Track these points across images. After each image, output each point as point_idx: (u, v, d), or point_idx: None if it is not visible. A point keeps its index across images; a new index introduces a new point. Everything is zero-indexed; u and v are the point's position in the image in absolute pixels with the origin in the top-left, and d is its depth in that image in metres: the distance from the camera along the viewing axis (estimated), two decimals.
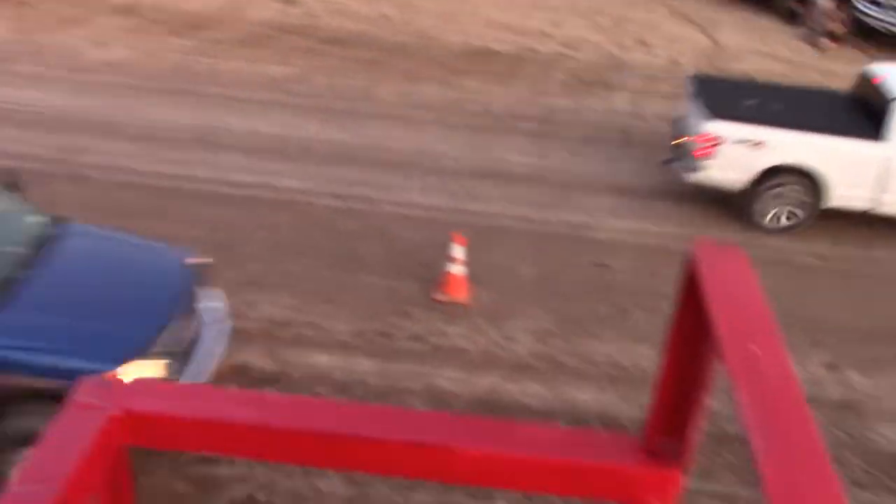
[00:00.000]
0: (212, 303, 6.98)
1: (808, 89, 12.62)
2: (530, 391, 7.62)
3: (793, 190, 10.36)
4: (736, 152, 10.21)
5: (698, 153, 10.27)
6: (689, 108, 10.93)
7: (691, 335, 1.71)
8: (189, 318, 6.50)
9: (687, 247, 1.82)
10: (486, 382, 7.66)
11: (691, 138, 10.46)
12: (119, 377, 5.20)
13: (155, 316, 6.17)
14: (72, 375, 5.30)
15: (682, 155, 10.72)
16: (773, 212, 10.46)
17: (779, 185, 10.34)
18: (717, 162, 10.25)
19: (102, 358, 5.59)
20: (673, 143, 11.07)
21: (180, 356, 6.21)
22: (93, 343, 5.79)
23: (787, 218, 10.48)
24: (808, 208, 10.42)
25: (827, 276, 9.93)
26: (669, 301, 1.82)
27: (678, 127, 11.11)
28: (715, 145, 10.18)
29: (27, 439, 4.62)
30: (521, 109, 13.20)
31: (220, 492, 6.24)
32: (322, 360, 7.65)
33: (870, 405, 7.93)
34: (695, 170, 10.39)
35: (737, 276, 1.73)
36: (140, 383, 2.07)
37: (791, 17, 17.70)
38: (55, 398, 5.35)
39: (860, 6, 17.26)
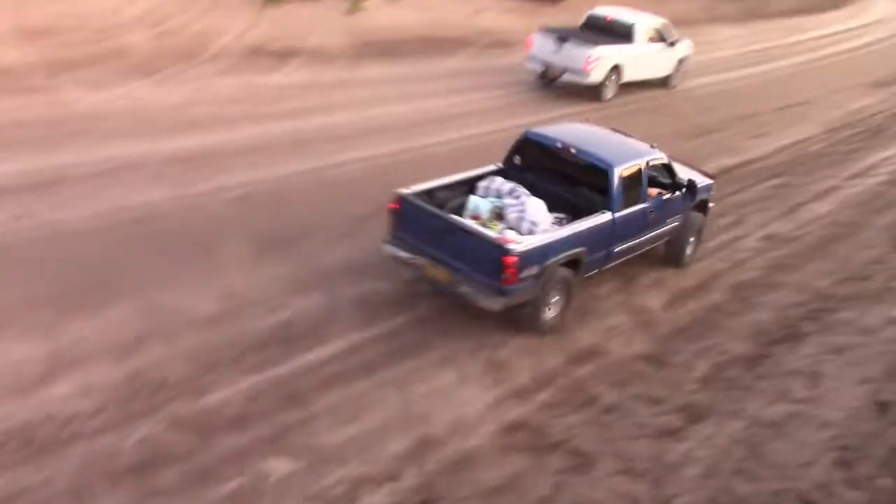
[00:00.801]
0: None
1: (595, 24, 20.57)
2: None
3: (615, 76, 19.45)
4: (601, 63, 19.06)
5: (588, 68, 18.84)
6: (550, 48, 19.24)
7: None
8: None
9: None
10: None
11: (577, 60, 18.99)
12: None
13: None
14: None
15: (558, 75, 19.27)
16: (611, 91, 19.51)
17: (611, 76, 19.34)
18: (595, 71, 18.94)
19: None
20: (543, 72, 19.52)
21: None
22: None
23: (614, 90, 19.76)
24: (619, 85, 19.73)
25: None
26: None
27: (541, 62, 19.43)
28: (597, 61, 18.90)
29: None
30: None
31: None
32: None
33: None
34: (586, 77, 18.94)
35: None
36: None
37: None
38: None
39: None
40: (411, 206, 9.65)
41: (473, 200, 10.16)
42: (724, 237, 13.85)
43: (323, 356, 8.98)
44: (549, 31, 19.14)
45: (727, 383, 10.05)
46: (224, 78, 17.48)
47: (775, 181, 16.73)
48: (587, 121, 12.38)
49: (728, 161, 17.21)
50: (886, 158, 19.22)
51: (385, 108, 16.66)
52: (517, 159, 11.00)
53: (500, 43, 23.36)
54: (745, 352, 10.72)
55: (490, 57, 22.08)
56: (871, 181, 17.61)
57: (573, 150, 10.56)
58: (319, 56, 19.52)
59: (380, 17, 23.40)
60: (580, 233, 9.84)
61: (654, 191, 10.98)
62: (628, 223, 10.51)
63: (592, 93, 19.15)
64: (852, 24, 35.81)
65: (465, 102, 18.12)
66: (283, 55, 19.32)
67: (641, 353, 10.33)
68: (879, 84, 26.00)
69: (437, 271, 9.48)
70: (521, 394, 8.97)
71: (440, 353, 9.34)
